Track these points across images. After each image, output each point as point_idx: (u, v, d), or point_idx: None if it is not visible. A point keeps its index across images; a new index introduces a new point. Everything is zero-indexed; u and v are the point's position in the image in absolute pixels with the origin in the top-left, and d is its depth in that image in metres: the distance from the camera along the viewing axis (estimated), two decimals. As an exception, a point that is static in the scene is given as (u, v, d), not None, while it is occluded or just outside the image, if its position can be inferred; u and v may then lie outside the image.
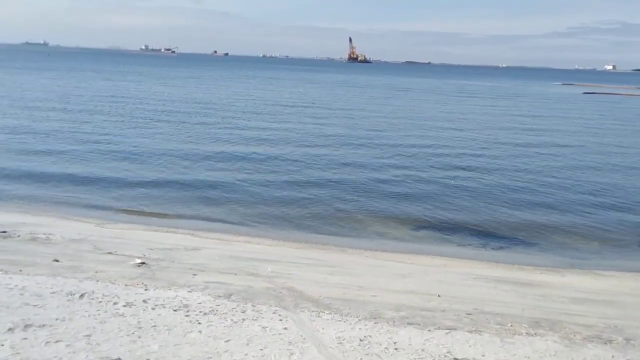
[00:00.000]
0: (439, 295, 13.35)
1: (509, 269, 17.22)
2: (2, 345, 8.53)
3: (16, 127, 39.70)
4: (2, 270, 12.48)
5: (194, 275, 13.54)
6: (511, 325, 11.28)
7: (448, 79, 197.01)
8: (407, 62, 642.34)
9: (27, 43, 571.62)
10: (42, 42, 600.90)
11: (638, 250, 20.24)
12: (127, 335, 9.28)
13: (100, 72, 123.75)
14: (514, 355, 9.69)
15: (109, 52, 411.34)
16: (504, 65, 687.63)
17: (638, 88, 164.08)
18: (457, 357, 9.42)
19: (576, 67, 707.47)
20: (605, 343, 10.63)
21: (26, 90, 67.93)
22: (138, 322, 9.90)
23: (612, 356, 9.96)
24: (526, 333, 10.87)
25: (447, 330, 10.66)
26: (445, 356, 9.40)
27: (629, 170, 34.51)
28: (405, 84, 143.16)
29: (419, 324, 10.95)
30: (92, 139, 36.86)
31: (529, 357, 9.62)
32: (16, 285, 11.32)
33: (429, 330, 10.59)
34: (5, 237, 16.16)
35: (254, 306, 11.25)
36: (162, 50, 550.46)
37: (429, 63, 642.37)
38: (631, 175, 32.82)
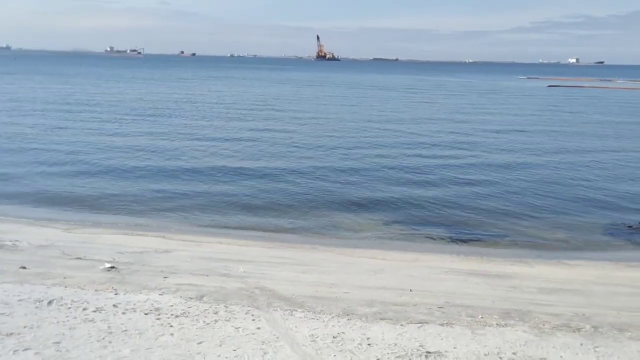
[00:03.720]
0: (410, 290, 13.46)
1: (479, 262, 17.42)
2: (-32, 355, 8.36)
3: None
4: (-34, 279, 12.22)
5: (165, 277, 13.43)
6: (482, 317, 11.42)
7: (416, 74, 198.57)
8: (375, 59, 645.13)
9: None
10: (4, 45, 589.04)
11: (604, 239, 20.66)
12: (98, 341, 9.17)
13: (56, 75, 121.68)
14: (485, 346, 9.82)
15: (73, 55, 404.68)
16: (470, 61, 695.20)
17: (600, 80, 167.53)
18: (429, 350, 9.51)
19: (541, 61, 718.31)
20: (574, 331, 10.84)
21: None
22: (108, 327, 9.78)
23: (581, 344, 10.15)
24: (497, 324, 11.02)
25: (419, 324, 10.75)
26: (417, 350, 9.48)
27: (593, 161, 35.20)
28: (378, 82, 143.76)
29: (392, 319, 11.02)
30: (55, 142, 36.31)
31: (499, 348, 9.76)
32: (-18, 294, 11.09)
33: (402, 325, 10.67)
34: (-31, 246, 15.82)
35: (226, 307, 11.20)
36: (128, 51, 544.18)
37: (397, 60, 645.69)
38: (595, 167, 33.48)
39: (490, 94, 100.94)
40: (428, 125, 50.47)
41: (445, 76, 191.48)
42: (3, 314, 10.09)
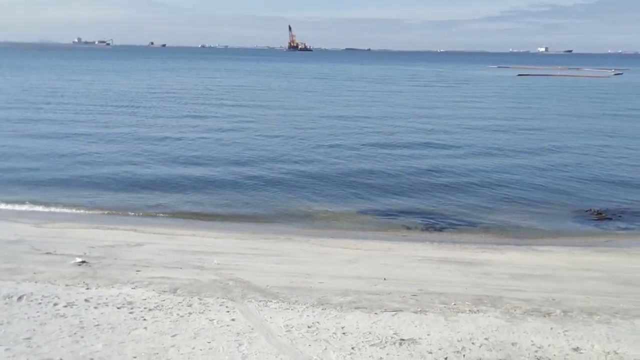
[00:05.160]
0: (384, 279, 13.54)
1: (452, 249, 17.60)
2: (-64, 354, 8.19)
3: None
4: None
5: (138, 271, 13.30)
6: (455, 304, 11.56)
7: (389, 65, 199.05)
8: (347, 49, 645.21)
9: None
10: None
11: (573, 225, 21.02)
12: (69, 336, 9.06)
13: (19, 68, 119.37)
14: (458, 332, 9.94)
15: (39, 47, 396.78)
16: (441, 50, 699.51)
17: (569, 69, 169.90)
18: (403, 337, 9.59)
19: (510, 50, 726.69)
20: (544, 316, 11.03)
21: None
22: (80, 322, 9.67)
23: (551, 328, 10.34)
24: (469, 310, 11.16)
25: (394, 312, 10.83)
26: (392, 337, 9.56)
27: (562, 150, 35.70)
28: (351, 72, 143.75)
29: (366, 308, 11.08)
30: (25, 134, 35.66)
31: (472, 334, 9.89)
32: (-51, 291, 10.87)
33: (376, 314, 10.74)
34: None
35: (200, 299, 11.15)
36: (96, 42, 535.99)
37: (369, 50, 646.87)
38: (563, 156, 33.97)
39: (461, 83, 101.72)
40: (402, 116, 50.67)
41: (418, 66, 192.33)
42: (-29, 311, 9.91)
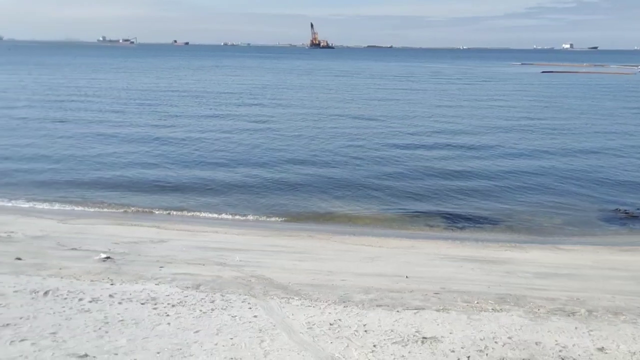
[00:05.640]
0: (407, 277, 13.50)
1: (474, 248, 17.49)
2: (-35, 347, 8.35)
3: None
4: (-38, 271, 12.19)
5: (161, 267, 13.43)
6: (477, 302, 11.47)
7: (411, 62, 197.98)
8: (369, 46, 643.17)
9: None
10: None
11: (597, 224, 20.74)
12: (94, 331, 9.17)
13: (48, 66, 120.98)
14: (481, 331, 9.86)
15: (66, 45, 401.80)
16: (464, 47, 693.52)
17: (594, 65, 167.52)
18: (425, 335, 9.55)
19: (535, 47, 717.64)
20: (569, 315, 10.89)
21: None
22: (105, 317, 9.78)
23: (576, 327, 10.21)
24: (492, 309, 11.07)
25: (416, 310, 10.79)
26: (414, 335, 9.52)
27: (588, 147, 35.25)
28: (373, 69, 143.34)
29: (388, 306, 11.05)
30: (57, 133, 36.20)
31: (495, 333, 9.80)
32: (-23, 286, 11.08)
33: (398, 311, 10.71)
34: (-36, 238, 15.78)
35: (222, 296, 11.22)
36: (121, 41, 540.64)
37: (391, 47, 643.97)
38: (590, 153, 33.52)
39: (484, 81, 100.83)
40: (425, 113, 50.42)
41: (441, 63, 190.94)
42: (-1, 305, 10.08)
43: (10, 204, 21.61)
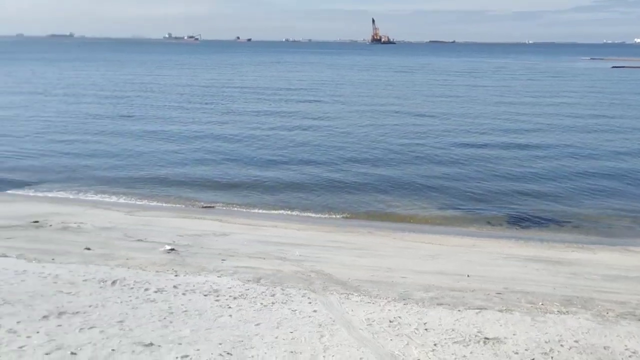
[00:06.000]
0: (468, 276, 13.27)
1: (539, 248, 17.04)
2: (38, 332, 8.71)
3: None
4: (35, 259, 12.74)
5: (223, 260, 13.65)
6: (542, 304, 11.16)
7: (474, 57, 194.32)
8: (431, 41, 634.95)
9: (52, 35, 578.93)
10: (67, 33, 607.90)
11: (672, 225, 19.83)
12: (159, 321, 9.41)
13: (117, 62, 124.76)
14: (546, 333, 9.59)
15: (132, 42, 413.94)
16: (530, 42, 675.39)
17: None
18: (487, 336, 9.36)
19: (605, 41, 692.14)
20: (640, 320, 10.46)
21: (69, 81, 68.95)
22: (169, 307, 10.02)
23: (647, 333, 9.79)
24: (558, 311, 10.75)
25: (478, 310, 10.59)
26: (475, 336, 9.35)
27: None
28: (435, 65, 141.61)
29: (449, 304, 10.89)
30: (128, 129, 37.42)
31: (561, 335, 9.51)
32: (49, 274, 11.55)
33: (459, 311, 10.53)
34: (37, 227, 16.49)
35: (283, 290, 11.31)
36: (185, 38, 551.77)
37: (454, 42, 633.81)
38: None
39: (551, 77, 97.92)
40: (488, 111, 49.38)
41: (505, 58, 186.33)
42: (69, 293, 10.48)
43: (79, 196, 22.47)
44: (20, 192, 22.82)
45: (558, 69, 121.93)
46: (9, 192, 22.77)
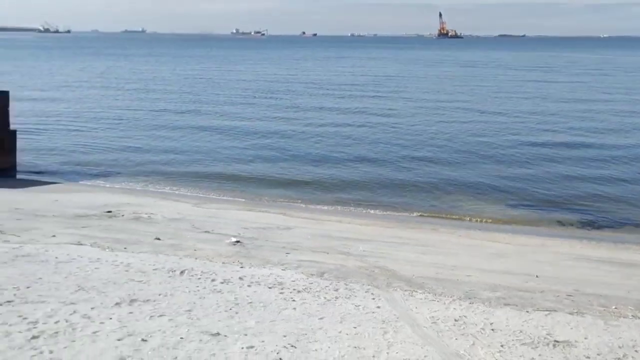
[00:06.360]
0: (537, 276, 12.93)
1: (612, 249, 16.42)
2: (110, 318, 9.04)
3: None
4: (108, 248, 13.23)
5: (287, 253, 13.79)
6: (616, 308, 10.75)
7: (545, 51, 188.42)
8: (500, 35, 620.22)
9: (125, 31, 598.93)
10: (140, 29, 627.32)
11: None
12: (225, 311, 9.59)
13: (187, 57, 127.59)
14: (619, 338, 9.23)
15: (201, 37, 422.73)
16: (604, 36, 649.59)
17: None
18: (557, 339, 9.08)
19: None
20: None
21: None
22: (235, 298, 10.20)
23: None
24: (632, 316, 10.33)
25: (547, 312, 10.30)
26: (545, 338, 9.09)
27: None
28: (504, 59, 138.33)
29: (517, 305, 10.64)
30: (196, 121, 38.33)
31: (635, 341, 9.13)
32: (122, 262, 11.97)
33: (527, 312, 10.27)
34: (110, 217, 17.11)
35: (346, 285, 11.32)
36: (252, 33, 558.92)
37: (524, 36, 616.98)
38: None
39: (630, 72, 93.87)
40: (559, 108, 47.68)
41: (578, 52, 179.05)
42: (140, 281, 10.82)
43: (149, 188, 23.14)
44: (94, 182, 23.70)
45: (636, 64, 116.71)
46: (83, 182, 23.70)
